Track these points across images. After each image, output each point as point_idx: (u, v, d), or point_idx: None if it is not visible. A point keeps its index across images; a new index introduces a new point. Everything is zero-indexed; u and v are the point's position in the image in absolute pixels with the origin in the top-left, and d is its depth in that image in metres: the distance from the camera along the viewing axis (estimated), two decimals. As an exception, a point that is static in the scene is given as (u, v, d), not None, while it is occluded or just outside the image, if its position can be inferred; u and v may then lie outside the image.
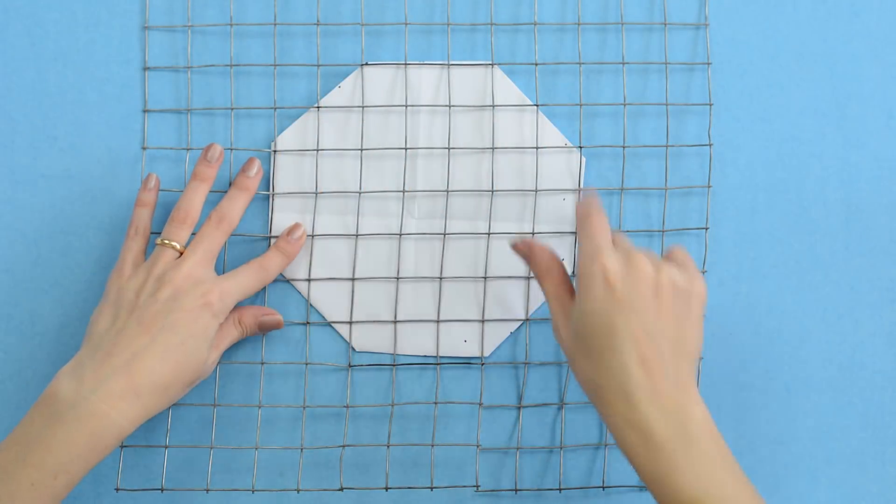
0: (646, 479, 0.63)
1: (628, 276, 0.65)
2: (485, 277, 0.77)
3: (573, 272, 0.77)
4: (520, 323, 0.77)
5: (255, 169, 0.75)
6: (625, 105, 0.78)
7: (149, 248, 0.74)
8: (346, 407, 0.77)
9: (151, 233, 0.74)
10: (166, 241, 0.71)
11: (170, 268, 0.70)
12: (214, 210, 0.73)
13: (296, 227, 0.76)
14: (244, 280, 0.72)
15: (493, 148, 0.78)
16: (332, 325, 0.77)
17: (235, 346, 0.76)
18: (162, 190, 0.76)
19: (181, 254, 0.71)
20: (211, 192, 0.76)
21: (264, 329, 0.75)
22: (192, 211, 0.73)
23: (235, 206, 0.74)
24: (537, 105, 0.78)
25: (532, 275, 0.77)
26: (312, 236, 0.77)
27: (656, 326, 0.64)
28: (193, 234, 0.74)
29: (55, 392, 0.66)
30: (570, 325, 0.67)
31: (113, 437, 0.66)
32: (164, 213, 0.76)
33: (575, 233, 0.77)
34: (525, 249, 0.71)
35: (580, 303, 0.65)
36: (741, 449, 0.76)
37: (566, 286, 0.69)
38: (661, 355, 0.64)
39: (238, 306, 0.74)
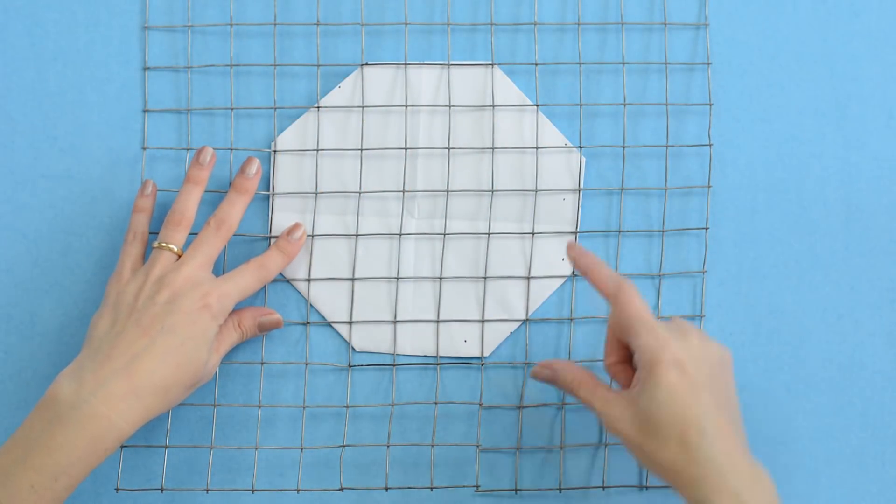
0: None
1: (692, 357, 0.66)
2: (485, 277, 0.77)
3: (573, 272, 0.77)
4: (520, 323, 0.77)
5: (255, 169, 0.75)
6: (625, 105, 0.78)
7: (147, 252, 0.74)
8: (346, 407, 0.77)
9: (150, 233, 0.75)
10: (163, 245, 0.71)
11: (168, 271, 0.70)
12: (214, 215, 0.73)
13: (296, 226, 0.76)
14: (243, 281, 0.72)
15: (493, 148, 0.78)
16: (332, 325, 0.77)
17: (236, 346, 0.76)
18: (162, 190, 0.76)
19: (179, 256, 0.71)
20: (212, 192, 0.77)
21: (264, 329, 0.75)
22: (187, 213, 0.73)
23: (234, 209, 0.74)
24: (537, 105, 0.78)
25: (532, 275, 0.77)
26: (312, 236, 0.77)
27: (720, 400, 0.66)
28: (192, 234, 0.74)
29: (55, 395, 0.66)
30: (632, 417, 0.67)
31: (113, 440, 0.66)
32: (163, 214, 0.75)
33: (575, 233, 0.77)
34: (548, 372, 0.72)
35: (652, 391, 0.66)
36: (741, 449, 0.76)
37: (600, 384, 0.69)
38: (731, 425, 0.66)
39: (237, 308, 0.74)
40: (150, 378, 0.67)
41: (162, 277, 0.70)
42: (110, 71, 0.78)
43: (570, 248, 0.72)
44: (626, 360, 0.70)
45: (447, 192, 0.77)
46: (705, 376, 0.66)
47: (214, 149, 0.76)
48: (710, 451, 0.64)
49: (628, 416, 0.67)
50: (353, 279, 0.77)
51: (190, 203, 0.73)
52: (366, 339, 0.77)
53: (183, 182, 0.74)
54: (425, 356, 0.77)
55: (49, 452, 0.65)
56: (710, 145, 0.78)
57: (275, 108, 0.78)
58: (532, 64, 0.78)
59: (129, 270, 0.72)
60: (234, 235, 0.77)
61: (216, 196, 0.77)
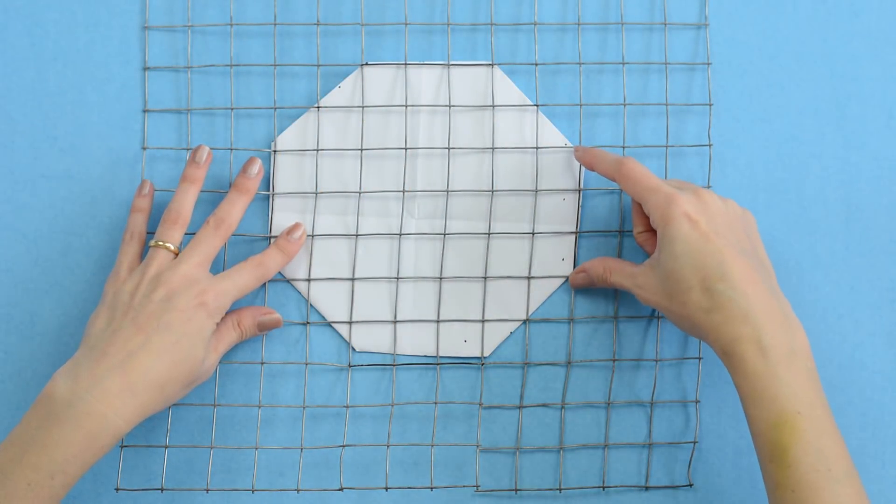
0: (746, 388, 0.66)
1: (705, 211, 0.68)
2: (485, 277, 0.77)
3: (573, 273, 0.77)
4: (520, 323, 0.77)
5: (256, 169, 0.75)
6: (625, 105, 0.78)
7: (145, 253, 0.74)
8: (346, 407, 0.77)
9: (148, 232, 0.75)
10: (160, 243, 0.72)
11: (165, 269, 0.71)
12: (213, 213, 0.73)
13: (296, 226, 0.76)
14: (241, 279, 0.72)
15: (493, 148, 0.78)
16: (332, 325, 0.77)
17: (235, 345, 0.76)
18: (162, 190, 0.76)
19: (175, 254, 0.71)
20: (212, 192, 0.77)
21: (263, 329, 0.75)
22: (184, 212, 0.73)
23: (234, 209, 0.74)
24: (537, 105, 0.78)
25: (532, 275, 0.77)
26: (312, 236, 0.77)
27: (744, 249, 0.68)
28: (189, 234, 0.74)
29: (51, 392, 0.66)
30: (657, 281, 0.69)
31: (109, 437, 0.66)
32: (162, 213, 0.75)
33: (575, 233, 0.77)
34: (582, 276, 0.76)
35: (669, 247, 0.68)
36: (741, 449, 0.76)
37: (626, 264, 0.73)
38: (758, 272, 0.67)
39: (236, 308, 0.74)
40: (145, 375, 0.67)
41: (158, 275, 0.70)
42: (110, 71, 0.78)
43: (576, 150, 0.75)
44: (650, 228, 0.73)
45: (447, 192, 0.77)
46: (720, 226, 0.68)
47: (215, 149, 0.76)
48: (731, 294, 0.66)
49: (654, 281, 0.70)
50: (353, 279, 0.77)
51: (186, 202, 0.73)
52: (366, 339, 0.77)
53: (179, 181, 0.74)
54: (425, 356, 0.77)
55: (45, 450, 0.65)
56: (710, 145, 0.78)
57: (275, 108, 0.78)
58: (532, 64, 0.78)
59: (127, 270, 0.72)
60: (234, 235, 0.77)
61: (216, 196, 0.77)
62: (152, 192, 0.75)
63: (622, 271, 0.73)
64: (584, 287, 0.76)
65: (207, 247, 0.72)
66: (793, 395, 0.65)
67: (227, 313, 0.73)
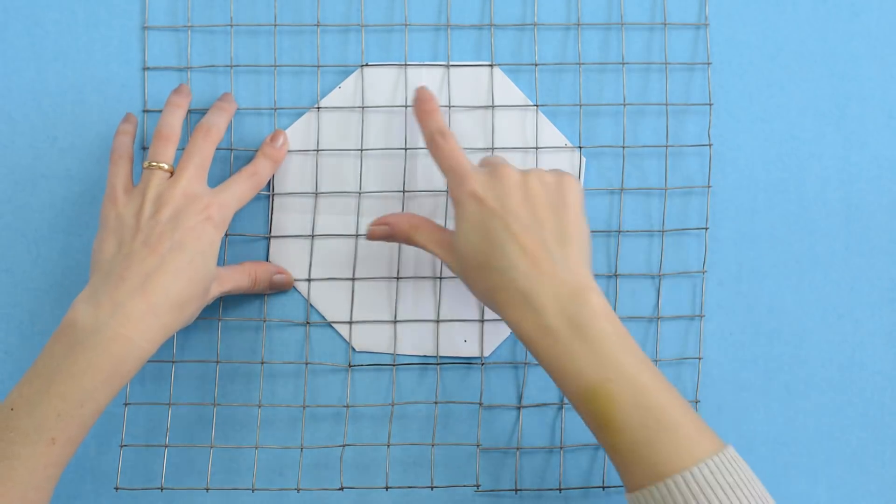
0: (548, 369, 0.65)
1: (495, 187, 0.68)
2: (485, 277, 0.77)
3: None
4: (520, 323, 0.77)
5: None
6: (625, 105, 0.78)
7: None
8: (346, 407, 0.77)
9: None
10: (154, 164, 0.71)
11: (164, 188, 0.70)
12: (199, 123, 0.73)
13: (278, 133, 0.76)
14: (238, 189, 0.72)
15: (493, 148, 0.78)
16: (332, 325, 0.77)
17: (235, 345, 0.76)
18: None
19: (171, 173, 0.71)
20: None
21: (274, 287, 0.75)
22: (174, 130, 0.72)
23: (221, 118, 0.74)
24: (537, 105, 0.78)
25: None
26: (312, 236, 0.77)
27: (533, 220, 0.67)
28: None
29: (73, 321, 0.66)
30: (452, 254, 0.69)
31: (135, 360, 0.66)
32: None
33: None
34: (384, 228, 0.73)
35: (459, 227, 0.68)
36: (741, 449, 0.76)
37: (436, 228, 0.72)
38: (543, 243, 0.66)
39: (253, 260, 0.75)
40: (165, 296, 0.67)
41: (159, 196, 0.70)
42: (110, 71, 0.78)
43: (419, 92, 0.74)
44: None
45: (447, 192, 0.77)
46: (511, 202, 0.67)
47: (215, 149, 0.77)
48: (513, 274, 0.66)
49: (452, 257, 0.70)
50: (353, 279, 0.77)
51: (175, 120, 0.73)
52: (366, 339, 0.77)
53: (165, 105, 0.74)
54: (425, 356, 0.77)
55: (73, 378, 0.64)
56: (710, 145, 0.78)
57: (275, 109, 0.78)
58: (532, 64, 0.78)
59: (122, 191, 0.71)
60: (234, 235, 0.77)
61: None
62: (136, 122, 0.75)
63: (430, 235, 0.72)
64: (381, 240, 0.74)
65: (200, 157, 0.72)
66: (596, 365, 0.63)
67: (243, 262, 0.74)
